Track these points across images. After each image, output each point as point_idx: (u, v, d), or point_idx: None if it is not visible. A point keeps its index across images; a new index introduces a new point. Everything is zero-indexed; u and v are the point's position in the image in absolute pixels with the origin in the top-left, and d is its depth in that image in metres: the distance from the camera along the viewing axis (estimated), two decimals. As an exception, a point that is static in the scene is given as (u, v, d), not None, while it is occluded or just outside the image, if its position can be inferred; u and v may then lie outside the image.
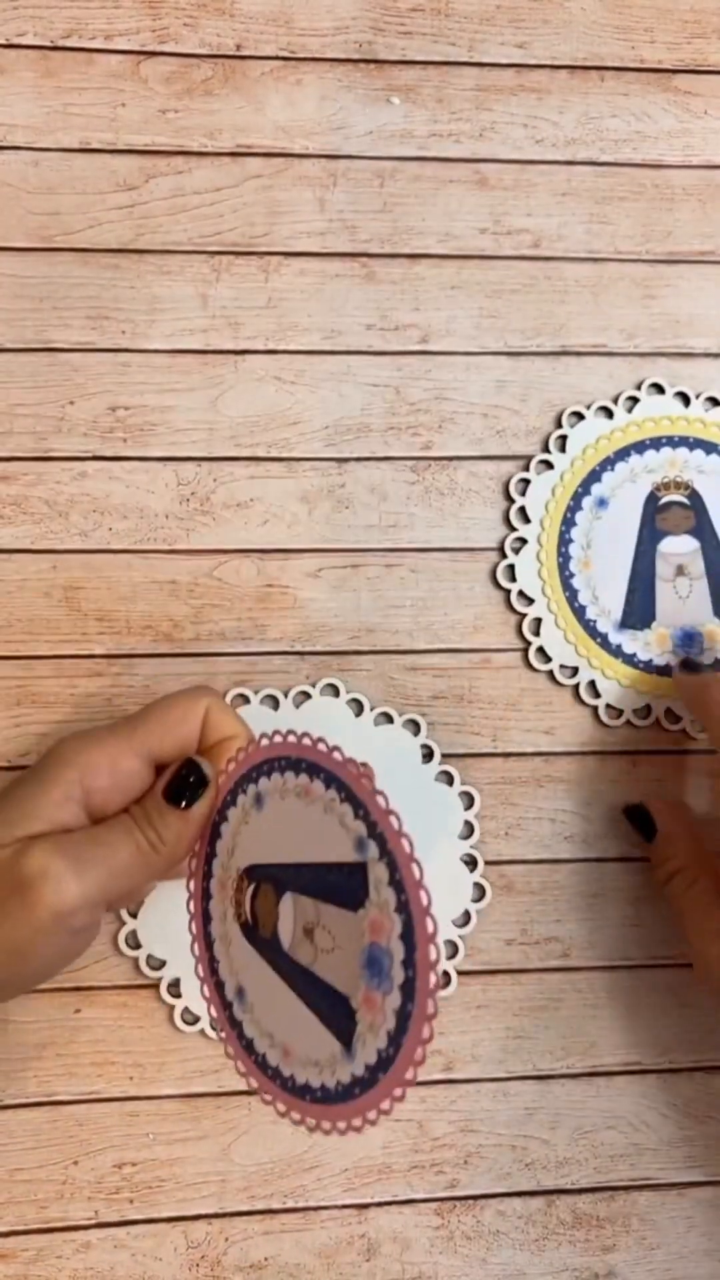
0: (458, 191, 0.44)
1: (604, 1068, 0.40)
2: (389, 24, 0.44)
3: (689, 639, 0.42)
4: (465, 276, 0.43)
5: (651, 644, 0.42)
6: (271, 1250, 0.39)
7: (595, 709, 0.42)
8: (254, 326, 0.42)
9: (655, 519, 0.42)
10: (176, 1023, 0.39)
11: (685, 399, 0.43)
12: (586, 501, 0.42)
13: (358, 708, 0.41)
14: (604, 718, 0.42)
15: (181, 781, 0.33)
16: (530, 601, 0.42)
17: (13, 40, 0.43)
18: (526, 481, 0.42)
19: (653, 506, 0.42)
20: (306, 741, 0.30)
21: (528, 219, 0.44)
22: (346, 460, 0.42)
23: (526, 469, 0.42)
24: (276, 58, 0.44)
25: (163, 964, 0.39)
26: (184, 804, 0.32)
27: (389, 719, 0.41)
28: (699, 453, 0.43)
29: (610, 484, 0.42)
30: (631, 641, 0.42)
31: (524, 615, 0.42)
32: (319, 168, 0.43)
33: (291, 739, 0.30)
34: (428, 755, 0.41)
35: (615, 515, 0.42)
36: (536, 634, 0.42)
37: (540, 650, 0.42)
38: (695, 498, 0.42)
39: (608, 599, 0.42)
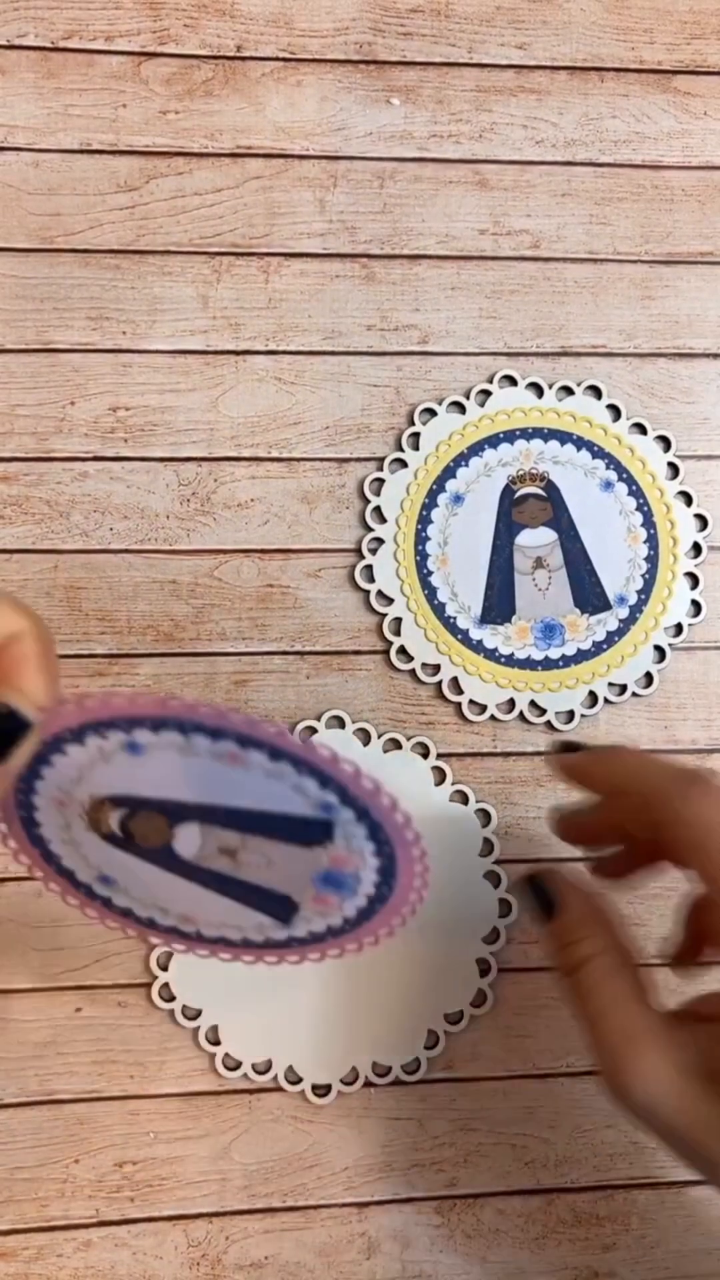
0: (457, 192, 0.44)
1: (603, 1066, 0.40)
2: (389, 25, 0.44)
3: (550, 631, 0.42)
4: (465, 277, 0.43)
5: (513, 638, 0.42)
6: (272, 1249, 0.39)
7: (459, 706, 0.42)
8: (254, 327, 0.43)
9: (511, 512, 0.42)
10: (219, 1069, 0.39)
11: (539, 390, 0.43)
12: (442, 498, 0.42)
13: (365, 736, 0.41)
14: (468, 714, 0.41)
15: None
16: (389, 601, 0.42)
17: (14, 41, 0.43)
18: (381, 481, 0.42)
19: (508, 500, 0.42)
20: (238, 718, 0.27)
21: (527, 220, 0.44)
22: (347, 460, 0.42)
23: (380, 468, 0.42)
24: (277, 59, 0.44)
25: (198, 1013, 0.39)
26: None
27: (397, 744, 0.41)
28: (554, 443, 0.42)
29: (465, 479, 0.42)
30: (493, 636, 0.41)
31: (384, 615, 0.42)
32: (319, 169, 0.43)
33: (205, 709, 0.27)
34: (440, 777, 0.41)
35: (471, 511, 0.42)
36: (397, 634, 0.42)
37: (401, 650, 0.42)
38: (551, 489, 0.42)
39: (467, 595, 0.42)
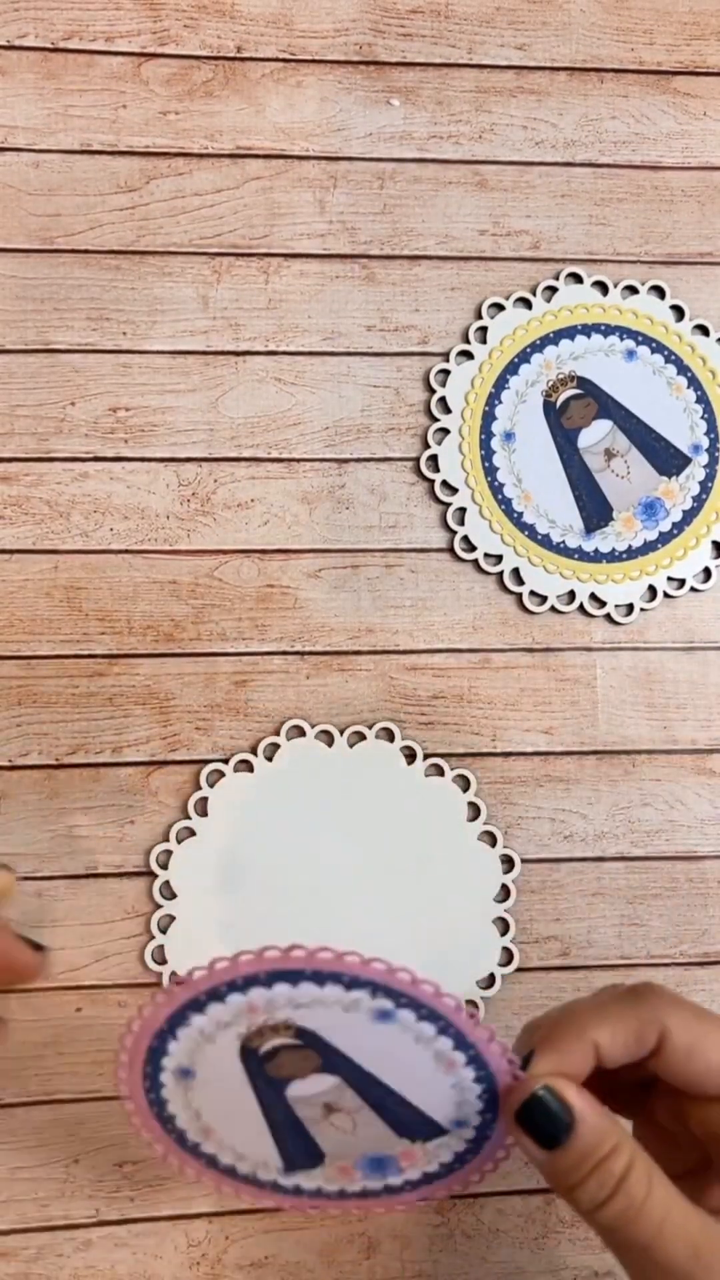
0: (457, 193, 0.44)
1: (603, 1066, 0.40)
2: (389, 26, 0.44)
3: (651, 508, 0.42)
4: (465, 278, 0.44)
5: (623, 533, 0.42)
6: (272, 1248, 0.39)
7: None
8: (254, 328, 0.43)
9: (562, 422, 0.43)
10: None
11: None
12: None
13: (409, 754, 0.41)
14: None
15: None
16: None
17: (14, 42, 0.43)
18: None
19: (553, 414, 0.43)
20: (427, 988, 0.25)
21: (527, 220, 0.44)
22: (347, 461, 0.42)
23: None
24: (277, 60, 0.44)
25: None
26: None
27: (440, 771, 0.41)
28: (565, 341, 0.43)
29: (509, 414, 0.42)
30: (604, 540, 0.42)
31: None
32: (319, 169, 0.43)
33: (403, 975, 0.26)
34: (474, 814, 0.41)
35: (527, 443, 0.43)
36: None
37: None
38: (584, 384, 0.43)
39: (563, 517, 0.42)
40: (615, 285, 0.43)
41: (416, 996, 0.25)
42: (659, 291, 0.44)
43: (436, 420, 0.42)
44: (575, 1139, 0.24)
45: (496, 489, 0.42)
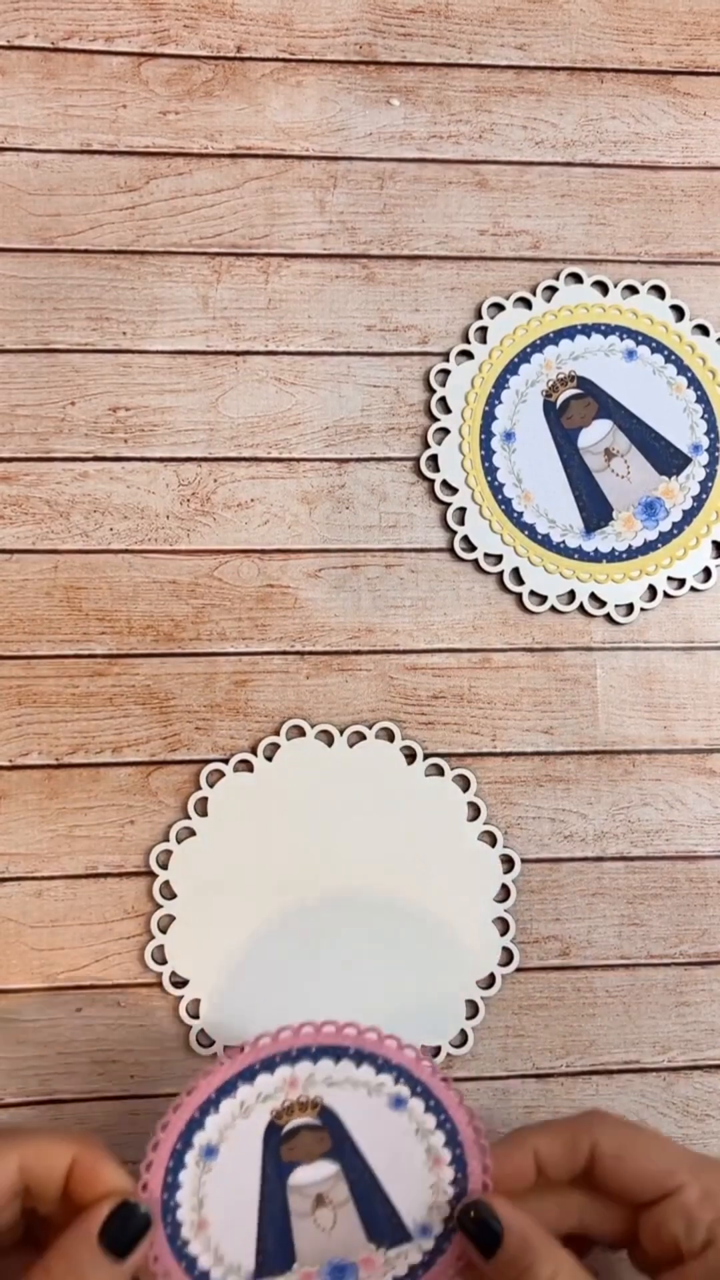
0: (457, 193, 0.44)
1: (603, 1066, 0.40)
2: (389, 26, 0.44)
3: (651, 508, 0.42)
4: (465, 278, 0.44)
5: (623, 533, 0.42)
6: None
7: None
8: (254, 328, 0.43)
9: (562, 422, 0.42)
10: (191, 1045, 0.39)
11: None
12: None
13: (409, 754, 0.41)
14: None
15: (119, 1227, 0.28)
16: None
17: (14, 42, 0.43)
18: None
19: (554, 412, 0.42)
20: (451, 1093, 0.31)
21: (527, 220, 0.44)
22: (347, 461, 0.42)
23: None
24: (277, 59, 0.44)
25: (185, 983, 0.39)
26: (124, 1254, 0.28)
27: (440, 771, 0.41)
28: (565, 342, 0.43)
29: (509, 413, 0.42)
30: (604, 541, 0.42)
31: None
32: (319, 169, 0.43)
33: (425, 1065, 0.31)
34: (474, 814, 0.41)
35: (527, 443, 0.42)
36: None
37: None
38: (586, 383, 0.43)
39: (563, 517, 0.42)
40: (615, 285, 0.43)
41: (429, 1086, 0.31)
42: (659, 291, 0.44)
43: (436, 420, 0.42)
44: (503, 1248, 0.29)
45: (496, 489, 0.42)
